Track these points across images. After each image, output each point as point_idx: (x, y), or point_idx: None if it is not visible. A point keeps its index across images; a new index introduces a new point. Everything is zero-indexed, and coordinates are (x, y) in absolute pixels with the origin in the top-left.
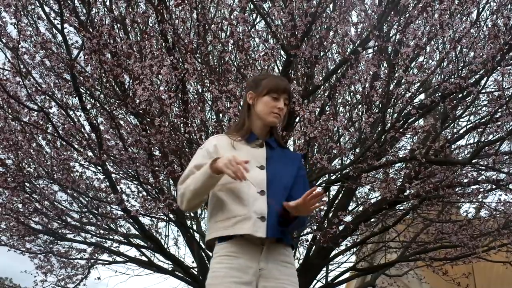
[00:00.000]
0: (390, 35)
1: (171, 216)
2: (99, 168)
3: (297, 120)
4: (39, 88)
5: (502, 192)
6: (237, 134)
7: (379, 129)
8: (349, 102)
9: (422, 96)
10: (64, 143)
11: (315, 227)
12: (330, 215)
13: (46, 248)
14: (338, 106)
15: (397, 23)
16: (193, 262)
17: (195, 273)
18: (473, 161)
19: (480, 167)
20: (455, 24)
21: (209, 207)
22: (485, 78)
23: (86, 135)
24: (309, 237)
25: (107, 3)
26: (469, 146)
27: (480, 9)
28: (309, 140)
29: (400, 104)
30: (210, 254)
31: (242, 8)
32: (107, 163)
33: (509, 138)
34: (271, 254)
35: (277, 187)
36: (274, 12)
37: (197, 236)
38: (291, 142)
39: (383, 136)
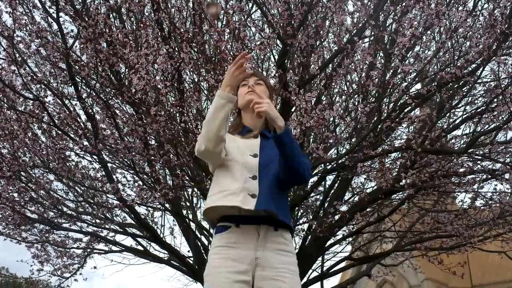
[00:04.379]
0: (387, 24)
1: (167, 205)
2: (95, 157)
3: (293, 109)
4: (34, 77)
5: (497, 182)
6: (233, 132)
7: (375, 118)
8: (345, 92)
9: (418, 86)
10: (60, 132)
11: (311, 217)
12: (326, 204)
13: (42, 237)
14: (334, 95)
15: (393, 13)
16: (188, 251)
17: (191, 262)
18: (469, 150)
19: (475, 156)
20: (452, 13)
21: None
22: (481, 68)
23: (81, 124)
24: (305, 226)
25: None
26: (465, 136)
27: None
28: (305, 130)
29: (396, 94)
30: (205, 241)
31: None
32: (102, 153)
33: (505, 127)
34: (268, 243)
35: (268, 173)
36: (270, 1)
37: (192, 225)
38: None
39: (379, 126)
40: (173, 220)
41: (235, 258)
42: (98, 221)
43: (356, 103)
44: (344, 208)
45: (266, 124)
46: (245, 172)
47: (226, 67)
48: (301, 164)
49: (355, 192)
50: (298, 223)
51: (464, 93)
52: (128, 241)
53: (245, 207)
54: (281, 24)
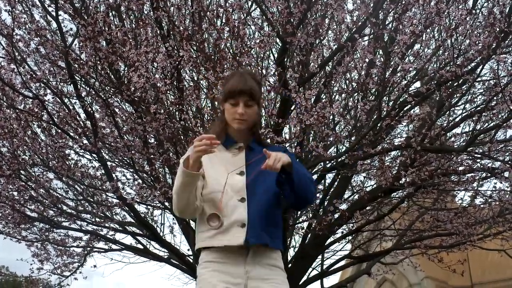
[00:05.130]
0: (386, 22)
1: (166, 204)
2: (95, 155)
3: (293, 107)
4: (34, 75)
5: (497, 180)
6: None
7: (375, 116)
8: (345, 90)
9: (418, 84)
10: (59, 130)
11: (311, 215)
12: (326, 203)
13: (42, 236)
14: (334, 93)
15: (393, 11)
16: (188, 250)
17: (191, 260)
18: (469, 149)
19: (475, 155)
20: (451, 12)
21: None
22: (481, 66)
23: (81, 122)
24: (305, 225)
25: None
26: (464, 134)
27: None
28: (305, 128)
29: (396, 92)
30: None
31: None
32: (102, 151)
33: (504, 126)
34: (257, 258)
35: (258, 192)
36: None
37: (192, 224)
38: (286, 129)
39: (378, 124)
40: (173, 218)
41: (225, 271)
42: (98, 219)
43: (356, 101)
44: (343, 206)
45: (252, 136)
46: (233, 196)
47: (225, 65)
48: (309, 193)
49: (355, 191)
50: (297, 222)
51: (463, 92)
52: (128, 240)
53: (235, 243)
54: (281, 22)
